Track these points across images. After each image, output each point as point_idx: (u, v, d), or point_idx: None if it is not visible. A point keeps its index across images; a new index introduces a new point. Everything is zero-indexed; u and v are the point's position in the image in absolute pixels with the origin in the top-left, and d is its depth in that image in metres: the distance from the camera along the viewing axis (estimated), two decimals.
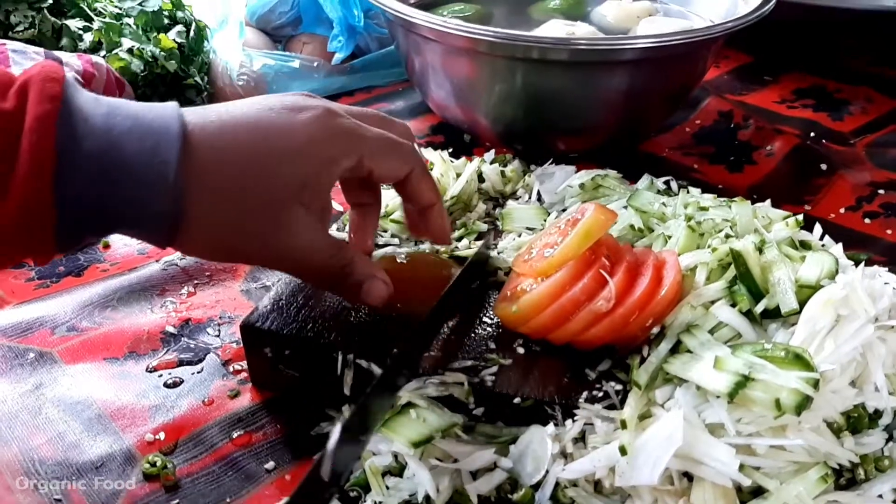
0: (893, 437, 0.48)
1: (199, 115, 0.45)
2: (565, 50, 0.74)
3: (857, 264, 0.56)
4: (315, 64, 1.02)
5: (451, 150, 0.93)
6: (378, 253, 0.62)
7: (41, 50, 0.83)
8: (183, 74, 0.91)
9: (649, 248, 0.56)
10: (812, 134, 0.96)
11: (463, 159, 0.79)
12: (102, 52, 0.89)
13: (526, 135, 0.88)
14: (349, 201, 0.58)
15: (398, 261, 0.61)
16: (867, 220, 0.79)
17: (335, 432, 0.40)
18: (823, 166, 0.87)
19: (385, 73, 1.09)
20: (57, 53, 0.83)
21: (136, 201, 0.42)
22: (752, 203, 0.63)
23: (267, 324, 0.55)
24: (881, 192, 0.82)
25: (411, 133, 0.56)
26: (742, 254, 0.52)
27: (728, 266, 0.54)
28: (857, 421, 0.47)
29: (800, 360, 0.44)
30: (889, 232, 0.77)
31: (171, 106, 0.44)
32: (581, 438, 0.49)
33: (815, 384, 0.43)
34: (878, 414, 0.48)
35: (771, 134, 0.95)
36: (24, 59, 0.79)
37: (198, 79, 0.93)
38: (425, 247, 0.64)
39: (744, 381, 0.44)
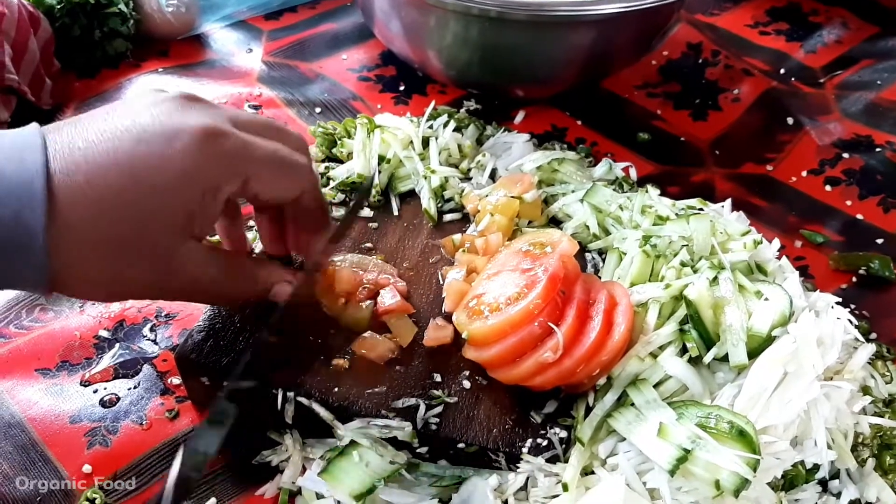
0: (827, 489, 0.49)
1: (65, 158, 0.41)
2: (523, 13, 0.68)
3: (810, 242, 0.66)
4: None
5: (402, 87, 0.88)
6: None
7: None
8: (105, 2, 0.82)
9: (600, 281, 0.53)
10: (782, 71, 0.92)
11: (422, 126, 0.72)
12: None
13: (482, 82, 0.82)
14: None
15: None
16: (828, 188, 0.77)
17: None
18: (790, 120, 0.84)
19: None
20: None
21: (3, 268, 0.41)
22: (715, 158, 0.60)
23: (202, 357, 0.52)
24: (845, 155, 0.79)
25: (306, 145, 0.53)
26: (694, 302, 0.50)
27: (681, 297, 0.52)
28: (794, 478, 0.47)
29: (743, 438, 0.44)
30: (849, 203, 0.75)
31: (35, 152, 0.40)
32: (524, 487, 0.49)
33: (756, 465, 0.43)
34: (815, 468, 0.48)
35: (739, 74, 0.90)
36: None
37: (122, 6, 0.83)
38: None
39: (685, 456, 0.44)
